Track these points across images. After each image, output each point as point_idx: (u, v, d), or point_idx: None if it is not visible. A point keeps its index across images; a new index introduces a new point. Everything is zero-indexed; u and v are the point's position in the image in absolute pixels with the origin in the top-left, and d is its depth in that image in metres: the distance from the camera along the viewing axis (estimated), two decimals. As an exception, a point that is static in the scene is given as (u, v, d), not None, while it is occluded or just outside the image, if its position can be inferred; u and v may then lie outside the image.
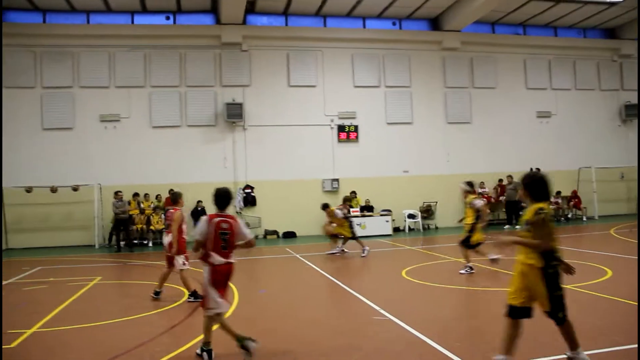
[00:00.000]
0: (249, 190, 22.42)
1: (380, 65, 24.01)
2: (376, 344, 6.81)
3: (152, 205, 20.64)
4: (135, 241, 19.93)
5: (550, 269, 5.19)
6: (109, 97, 22.06)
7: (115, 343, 7.25)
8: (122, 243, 19.29)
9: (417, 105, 24.15)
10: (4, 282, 12.86)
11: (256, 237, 22.04)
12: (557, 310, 5.22)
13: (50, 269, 15.20)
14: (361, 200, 22.75)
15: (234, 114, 22.07)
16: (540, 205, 5.23)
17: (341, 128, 23.38)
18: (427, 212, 23.53)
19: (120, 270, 15.50)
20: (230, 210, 6.78)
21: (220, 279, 6.45)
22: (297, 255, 16.44)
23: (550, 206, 5.51)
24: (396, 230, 22.68)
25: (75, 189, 20.10)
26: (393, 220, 22.38)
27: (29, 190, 19.71)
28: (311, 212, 22.32)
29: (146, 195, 20.86)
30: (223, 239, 6.34)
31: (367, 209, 22.53)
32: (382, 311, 8.42)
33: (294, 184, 22.67)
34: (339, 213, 16.32)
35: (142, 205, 20.34)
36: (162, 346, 6.73)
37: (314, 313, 8.86)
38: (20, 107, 21.47)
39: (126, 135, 21.97)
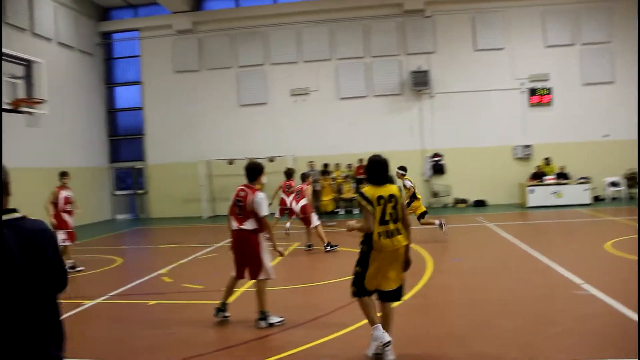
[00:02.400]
0: (438, 158, 22.12)
1: (574, 21, 22.08)
2: (578, 320, 6.38)
3: (342, 175, 21.20)
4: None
5: (363, 248, 5.36)
6: (297, 72, 23.10)
7: (315, 305, 7.62)
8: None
9: (619, 62, 21.85)
10: (218, 245, 14.07)
11: (445, 205, 21.91)
12: (351, 283, 5.45)
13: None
14: (556, 167, 21.37)
15: (420, 82, 21.82)
16: (364, 189, 5.41)
17: (532, 91, 22.02)
18: (632, 179, 21.41)
19: (314, 237, 16.11)
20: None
21: (233, 244, 6.94)
22: (488, 224, 15.92)
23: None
24: (596, 199, 20.97)
25: (271, 160, 21.31)
26: (593, 188, 20.72)
27: (231, 162, 21.31)
28: (502, 180, 21.73)
29: (337, 164, 21.47)
30: (238, 206, 6.80)
31: (563, 176, 21.08)
32: (585, 285, 7.84)
33: (483, 151, 21.94)
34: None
35: (332, 175, 20.95)
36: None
37: (511, 284, 8.47)
38: (220, 86, 23.46)
39: (315, 108, 22.84)
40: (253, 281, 6.93)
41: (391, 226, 5.27)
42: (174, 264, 11.62)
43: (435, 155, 22.24)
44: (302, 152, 22.15)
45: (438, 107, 22.32)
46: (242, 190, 6.84)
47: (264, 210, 6.68)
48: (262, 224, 6.74)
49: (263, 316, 6.66)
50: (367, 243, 5.29)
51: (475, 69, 22.22)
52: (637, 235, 11.25)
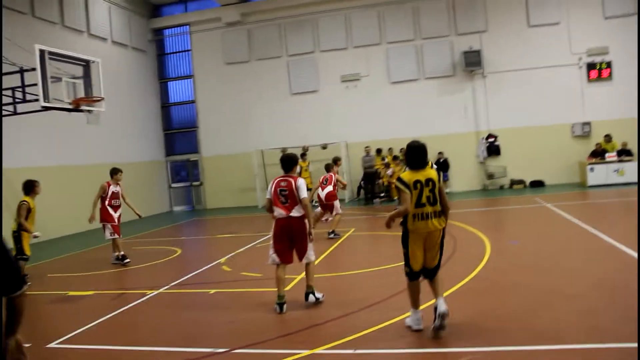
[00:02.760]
0: (492, 139, 21.70)
1: (636, -11, 21.07)
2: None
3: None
4: (382, 195, 20.60)
5: (404, 229, 5.67)
6: (348, 58, 23.03)
7: (374, 290, 7.60)
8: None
9: (685, 30, 20.79)
10: (271, 234, 14.18)
11: (501, 187, 21.58)
12: (404, 264, 5.75)
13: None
14: (617, 144, 20.58)
15: (472, 62, 21.39)
16: (402, 174, 5.69)
17: (591, 66, 21.21)
18: (700, 153, 20.43)
19: (370, 223, 16.12)
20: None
21: (279, 232, 7.14)
22: (547, 205, 15.52)
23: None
24: (662, 176, 20.13)
25: (324, 147, 21.38)
26: (658, 165, 19.87)
27: (283, 151, 21.42)
28: (560, 159, 21.20)
29: (390, 149, 21.32)
30: (282, 195, 7.10)
31: (625, 153, 20.30)
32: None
33: (539, 131, 21.34)
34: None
35: (386, 160, 20.82)
36: (422, 293, 6.67)
37: (574, 266, 8.24)
38: (270, 76, 23.66)
39: (367, 93, 22.76)
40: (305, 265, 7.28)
41: (428, 209, 5.55)
42: (232, 253, 11.81)
43: (490, 136, 21.79)
44: (354, 138, 22.12)
45: (491, 87, 21.82)
46: (283, 180, 7.21)
47: (304, 193, 7.07)
48: (304, 207, 7.08)
49: (311, 290, 7.18)
50: (404, 224, 5.64)
51: (530, 45, 21.55)
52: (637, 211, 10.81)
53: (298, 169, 12.03)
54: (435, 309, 5.52)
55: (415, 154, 5.67)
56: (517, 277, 7.84)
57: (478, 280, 7.74)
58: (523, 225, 13.29)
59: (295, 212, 7.06)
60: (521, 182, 21.52)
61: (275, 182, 7.24)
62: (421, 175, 5.56)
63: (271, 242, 7.25)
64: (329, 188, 13.14)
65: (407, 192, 5.50)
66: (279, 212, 7.12)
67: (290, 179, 7.15)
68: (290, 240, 7.16)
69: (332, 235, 12.85)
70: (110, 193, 11.51)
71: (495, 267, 8.54)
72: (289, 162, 7.36)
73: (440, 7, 22.19)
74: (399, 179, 5.62)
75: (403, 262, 5.76)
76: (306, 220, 7.14)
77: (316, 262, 7.57)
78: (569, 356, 4.86)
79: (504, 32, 21.78)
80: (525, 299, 6.66)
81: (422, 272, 5.74)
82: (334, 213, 13.12)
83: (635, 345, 4.74)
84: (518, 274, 8.03)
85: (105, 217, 11.49)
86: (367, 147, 20.84)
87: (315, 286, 7.23)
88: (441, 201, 5.63)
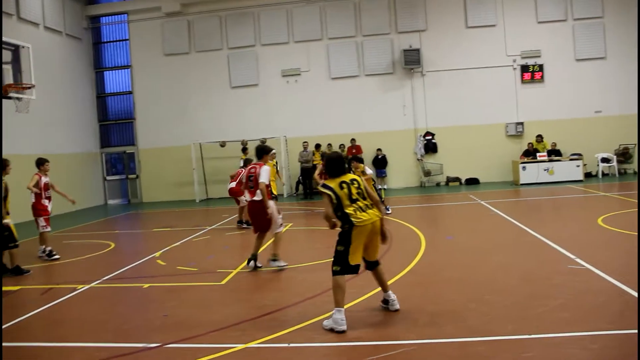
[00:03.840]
0: (430, 137, 22.13)
1: (567, -5, 21.90)
2: (573, 294, 6.38)
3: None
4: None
5: (345, 227, 5.74)
6: (288, 53, 22.96)
7: (310, 285, 7.57)
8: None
9: (611, 37, 21.69)
10: (210, 227, 14.05)
11: (438, 184, 22.03)
12: (334, 263, 5.73)
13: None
14: (548, 144, 21.38)
15: (412, 60, 21.75)
16: (327, 181, 5.88)
17: (525, 68, 21.95)
18: (624, 155, 21.44)
19: (307, 218, 16.14)
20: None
21: (249, 213, 8.59)
22: (482, 202, 15.95)
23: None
24: (588, 175, 21.02)
25: (262, 142, 21.20)
26: (584, 165, 20.73)
27: (222, 144, 21.23)
28: (494, 158, 21.75)
29: (329, 145, 21.41)
30: (250, 180, 8.33)
31: (555, 153, 21.12)
32: (578, 260, 7.89)
33: (475, 130, 21.92)
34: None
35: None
36: (355, 288, 6.78)
37: (504, 261, 8.48)
38: (210, 69, 23.32)
39: (307, 88, 22.80)
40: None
41: (361, 203, 5.77)
42: (168, 247, 11.59)
43: (427, 133, 22.22)
44: (294, 133, 22.09)
45: (430, 85, 22.26)
46: (253, 167, 8.37)
47: (262, 178, 8.09)
48: (260, 190, 8.10)
49: (274, 258, 8.42)
50: (348, 222, 5.67)
51: (467, 46, 22.11)
52: (637, 210, 11.28)
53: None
54: (385, 301, 6.10)
55: (334, 164, 5.92)
56: (451, 272, 8.01)
57: (412, 275, 7.87)
58: (458, 222, 13.60)
59: (257, 197, 8.21)
60: (457, 179, 22.06)
61: (247, 169, 8.50)
62: (344, 178, 5.85)
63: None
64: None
65: (328, 195, 5.74)
66: (247, 196, 8.39)
67: (257, 166, 8.28)
68: (256, 220, 8.43)
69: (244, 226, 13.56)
70: (43, 185, 11.03)
71: (430, 261, 8.70)
72: (260, 150, 8.54)
73: (382, 5, 22.43)
74: (323, 185, 5.87)
75: (333, 261, 5.76)
76: (270, 202, 8.25)
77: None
78: (498, 347, 4.98)
79: (443, 32, 22.23)
80: (457, 293, 6.80)
81: (367, 266, 6.00)
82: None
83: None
84: (451, 269, 8.21)
85: (40, 211, 11.03)
86: (304, 142, 20.90)
87: (279, 255, 8.55)
88: (369, 196, 5.89)
